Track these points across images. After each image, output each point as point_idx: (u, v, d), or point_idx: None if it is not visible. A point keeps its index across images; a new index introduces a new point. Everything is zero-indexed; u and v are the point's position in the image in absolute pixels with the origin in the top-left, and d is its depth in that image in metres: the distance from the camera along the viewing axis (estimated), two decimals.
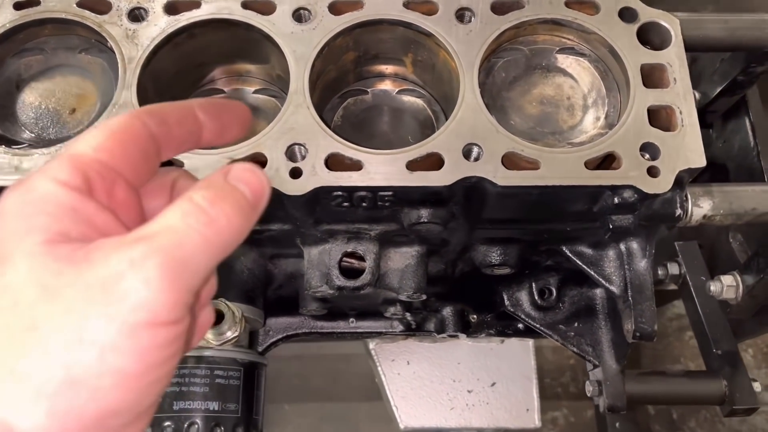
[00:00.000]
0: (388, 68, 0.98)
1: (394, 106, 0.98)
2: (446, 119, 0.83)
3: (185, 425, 0.91)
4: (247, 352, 1.00)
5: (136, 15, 0.87)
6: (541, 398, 1.12)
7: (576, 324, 1.12)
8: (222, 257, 0.44)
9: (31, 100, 0.90)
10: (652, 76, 0.85)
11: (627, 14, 0.88)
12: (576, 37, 0.90)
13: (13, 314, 0.39)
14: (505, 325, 1.17)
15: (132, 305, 0.39)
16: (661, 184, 0.79)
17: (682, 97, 0.83)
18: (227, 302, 0.93)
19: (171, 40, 0.87)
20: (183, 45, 0.89)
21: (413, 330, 1.15)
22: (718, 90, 1.09)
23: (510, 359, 1.13)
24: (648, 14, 0.88)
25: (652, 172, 0.79)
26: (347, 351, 2.13)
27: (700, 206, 0.87)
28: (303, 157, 0.80)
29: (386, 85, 0.99)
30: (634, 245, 0.94)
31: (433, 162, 0.80)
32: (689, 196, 0.87)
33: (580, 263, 0.97)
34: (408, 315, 1.10)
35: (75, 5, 0.87)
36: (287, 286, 1.06)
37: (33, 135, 0.89)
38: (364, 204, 0.82)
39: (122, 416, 0.41)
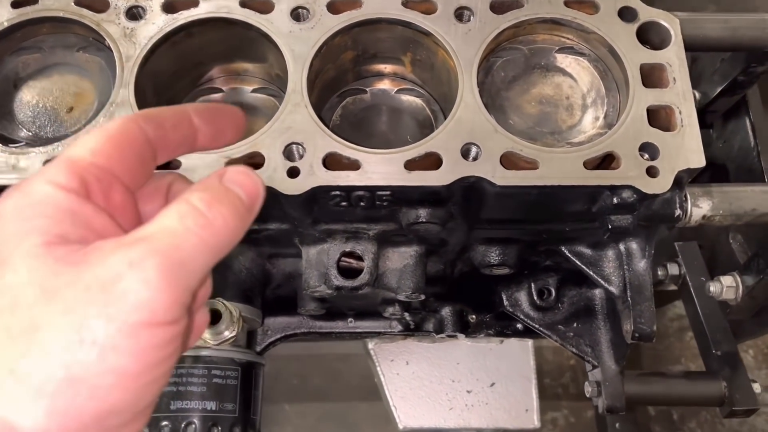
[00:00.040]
0: (386, 67, 0.98)
1: (392, 105, 0.98)
2: (445, 119, 0.83)
3: (182, 425, 0.91)
4: (244, 352, 1.00)
5: (134, 13, 0.87)
6: (541, 399, 1.12)
7: (575, 324, 1.11)
8: (218, 258, 0.45)
9: (28, 98, 0.90)
10: (652, 76, 0.85)
11: (627, 14, 0.87)
12: (575, 36, 0.90)
13: (13, 315, 0.40)
14: (504, 326, 1.17)
15: (131, 305, 0.40)
16: (660, 184, 0.78)
17: (681, 97, 0.83)
18: (225, 302, 0.93)
19: (169, 38, 0.87)
20: (181, 44, 0.89)
21: (412, 330, 1.14)
22: (719, 90, 1.09)
23: (509, 359, 1.13)
24: (648, 14, 0.87)
25: (651, 172, 0.79)
26: (347, 351, 2.13)
27: (700, 206, 0.87)
28: (301, 157, 0.80)
29: (385, 85, 0.99)
30: (634, 245, 0.94)
31: (432, 162, 0.79)
32: (688, 197, 0.86)
33: (579, 263, 0.96)
34: (407, 315, 1.10)
35: (73, 4, 0.87)
36: (285, 286, 1.06)
37: (30, 134, 0.88)
38: (362, 204, 0.81)
39: (121, 415, 0.41)
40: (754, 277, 1.04)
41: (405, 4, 0.87)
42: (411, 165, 0.79)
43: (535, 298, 1.10)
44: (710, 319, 1.26)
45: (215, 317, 0.92)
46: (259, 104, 0.97)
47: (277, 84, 0.96)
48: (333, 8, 0.87)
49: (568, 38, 0.90)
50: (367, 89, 0.99)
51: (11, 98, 0.90)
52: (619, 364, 1.09)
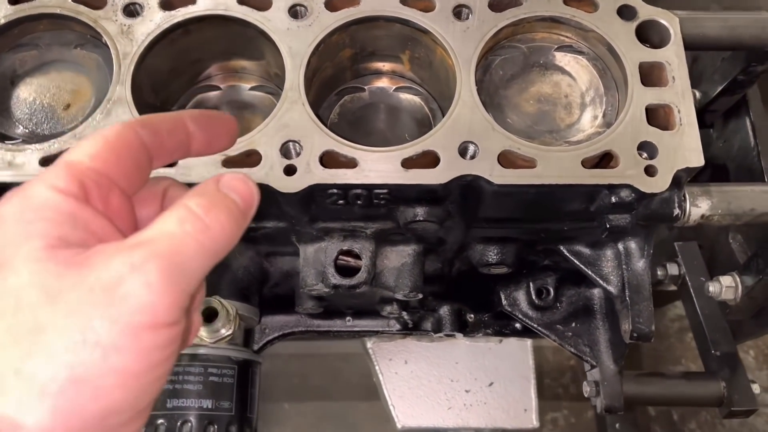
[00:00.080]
0: (385, 65, 0.97)
1: (391, 103, 0.98)
2: (443, 117, 0.82)
3: (179, 423, 0.91)
4: (241, 350, 0.99)
5: (132, 10, 0.87)
6: (541, 399, 1.11)
7: (573, 324, 1.11)
8: (215, 262, 0.46)
9: (25, 95, 0.90)
10: (651, 75, 0.85)
11: (626, 12, 0.87)
12: (574, 34, 0.90)
13: (17, 317, 0.41)
14: (503, 325, 1.17)
15: (134, 307, 0.41)
16: (659, 184, 0.78)
17: (680, 96, 0.83)
18: (221, 300, 0.92)
19: (166, 35, 0.87)
20: (178, 41, 0.88)
21: (410, 329, 1.14)
22: (719, 89, 1.08)
23: (508, 359, 1.13)
24: (647, 12, 0.87)
25: (650, 171, 0.78)
26: (347, 350, 2.12)
27: (698, 206, 0.86)
28: (298, 154, 0.79)
29: (383, 83, 0.99)
30: (632, 245, 0.93)
31: (429, 160, 0.79)
32: (687, 196, 0.86)
33: (577, 263, 0.96)
34: (405, 314, 1.10)
35: (70, 0, 0.87)
36: (283, 284, 1.06)
37: (27, 130, 0.88)
38: (359, 202, 0.81)
39: (122, 414, 0.42)
40: (753, 278, 1.03)
41: (403, 2, 0.87)
42: (408, 163, 0.78)
43: (534, 297, 1.10)
44: (709, 320, 1.25)
45: (212, 315, 0.92)
46: (257, 102, 0.97)
47: (275, 82, 0.96)
48: (331, 5, 0.87)
49: (566, 36, 0.90)
50: (366, 87, 0.98)
51: (8, 95, 0.89)
52: (618, 364, 1.09)
